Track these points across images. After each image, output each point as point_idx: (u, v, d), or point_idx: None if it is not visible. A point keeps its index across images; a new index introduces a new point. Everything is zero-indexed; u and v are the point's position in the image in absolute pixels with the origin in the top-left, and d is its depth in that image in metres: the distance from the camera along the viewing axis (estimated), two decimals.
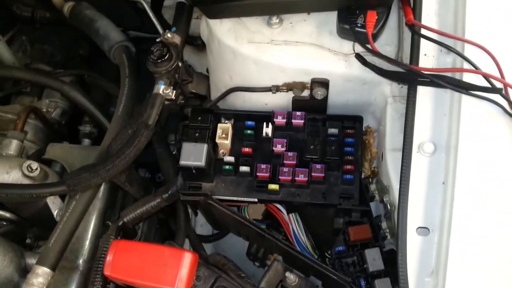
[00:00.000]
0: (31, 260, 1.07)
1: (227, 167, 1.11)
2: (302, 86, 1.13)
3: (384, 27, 1.05)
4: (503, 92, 0.95)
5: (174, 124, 1.35)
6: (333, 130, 1.11)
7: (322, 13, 1.10)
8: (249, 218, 1.16)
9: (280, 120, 1.12)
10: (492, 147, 0.94)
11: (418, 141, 0.98)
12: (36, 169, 1.12)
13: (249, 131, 1.13)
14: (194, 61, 1.45)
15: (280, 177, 1.08)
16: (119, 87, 1.22)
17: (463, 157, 0.94)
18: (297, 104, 1.17)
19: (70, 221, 1.05)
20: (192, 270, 0.95)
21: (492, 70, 0.96)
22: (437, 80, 0.98)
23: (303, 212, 1.15)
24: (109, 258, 0.96)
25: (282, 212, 1.14)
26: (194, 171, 1.08)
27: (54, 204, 1.14)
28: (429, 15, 1.04)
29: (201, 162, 1.06)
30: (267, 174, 1.09)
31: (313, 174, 1.07)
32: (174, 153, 1.27)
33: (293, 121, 1.12)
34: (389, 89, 1.10)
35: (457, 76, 0.99)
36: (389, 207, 1.05)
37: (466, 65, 0.97)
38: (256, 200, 1.11)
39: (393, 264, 0.94)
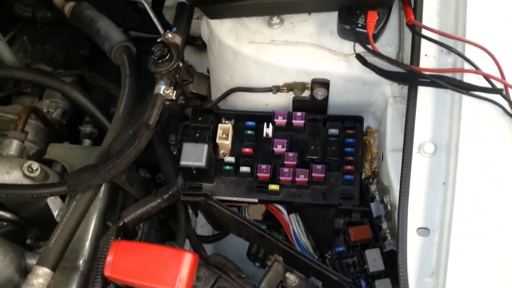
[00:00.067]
0: (32, 261, 1.06)
1: (227, 167, 1.11)
2: (302, 86, 1.13)
3: (384, 27, 1.05)
4: (504, 92, 0.95)
5: (175, 125, 1.36)
6: (333, 131, 1.11)
7: (323, 14, 1.11)
8: (249, 218, 1.16)
9: (280, 121, 1.12)
10: (493, 147, 0.94)
11: (418, 141, 0.98)
12: (37, 169, 1.12)
13: (249, 132, 1.13)
14: (195, 61, 1.45)
15: (280, 178, 1.08)
16: (120, 88, 1.22)
17: (464, 157, 0.94)
18: (298, 104, 1.17)
19: (70, 222, 1.05)
20: (192, 270, 0.95)
21: (493, 71, 0.96)
22: (438, 80, 0.98)
23: (304, 212, 1.14)
24: (109, 258, 0.96)
25: (282, 212, 1.14)
26: (194, 172, 1.08)
27: (54, 205, 1.14)
28: (430, 16, 1.04)
29: (202, 163, 1.06)
30: (268, 175, 1.09)
31: (313, 174, 1.07)
32: (174, 153, 1.27)
33: (293, 121, 1.11)
34: (389, 89, 1.10)
35: (457, 76, 0.99)
36: (389, 208, 1.05)
37: (467, 66, 0.97)
38: (256, 200, 1.11)
39: (394, 264, 0.94)
